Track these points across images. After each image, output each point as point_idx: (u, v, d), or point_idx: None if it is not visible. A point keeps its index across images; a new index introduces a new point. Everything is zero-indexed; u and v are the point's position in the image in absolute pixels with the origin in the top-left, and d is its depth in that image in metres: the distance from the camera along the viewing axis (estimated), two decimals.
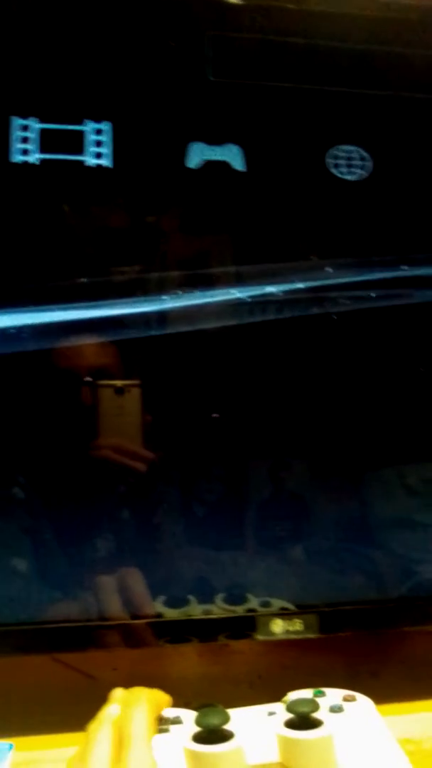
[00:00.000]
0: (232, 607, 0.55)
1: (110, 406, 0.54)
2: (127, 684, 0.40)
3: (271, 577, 0.57)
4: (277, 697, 0.39)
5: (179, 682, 0.57)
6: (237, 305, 0.56)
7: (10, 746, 0.48)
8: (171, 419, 0.56)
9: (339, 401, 0.59)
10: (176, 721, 0.38)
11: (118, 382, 0.54)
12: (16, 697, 0.54)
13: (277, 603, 0.56)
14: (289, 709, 0.35)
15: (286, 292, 0.57)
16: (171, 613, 0.54)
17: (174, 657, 0.59)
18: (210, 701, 0.38)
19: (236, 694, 0.42)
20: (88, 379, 0.54)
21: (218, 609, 0.55)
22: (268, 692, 0.41)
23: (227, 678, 0.60)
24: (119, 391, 0.54)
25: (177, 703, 0.40)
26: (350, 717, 0.37)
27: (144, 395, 0.55)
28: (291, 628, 0.55)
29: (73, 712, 0.40)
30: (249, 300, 0.56)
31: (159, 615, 0.54)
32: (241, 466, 0.58)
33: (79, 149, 0.55)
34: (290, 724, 0.35)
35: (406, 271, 0.59)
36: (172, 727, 0.37)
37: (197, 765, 0.33)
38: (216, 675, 0.60)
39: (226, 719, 0.35)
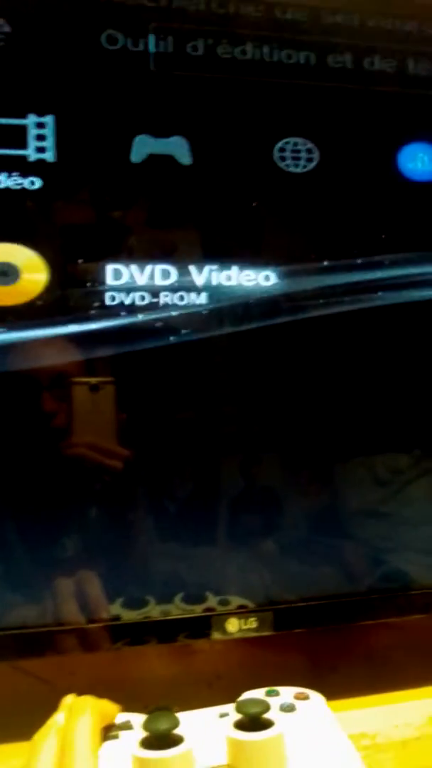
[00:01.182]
0: (191, 607, 0.54)
1: (85, 404, 0.53)
2: (87, 689, 0.39)
3: (230, 574, 0.56)
4: (235, 696, 0.39)
5: (139, 685, 0.56)
6: (196, 307, 0.55)
7: None
8: (146, 416, 0.55)
9: (309, 396, 0.59)
10: (127, 726, 0.38)
11: (93, 379, 0.53)
12: None
13: (236, 601, 0.55)
14: (239, 709, 0.35)
15: (244, 290, 0.56)
16: (129, 615, 0.53)
17: (133, 659, 0.59)
18: (165, 704, 0.37)
19: (195, 695, 0.42)
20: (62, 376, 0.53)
21: (177, 609, 0.54)
22: (227, 692, 0.40)
23: (187, 679, 0.59)
24: (94, 388, 0.53)
25: (136, 707, 0.39)
26: (301, 716, 0.37)
27: (118, 392, 0.54)
28: (246, 627, 0.54)
29: (27, 720, 0.39)
30: (207, 302, 0.56)
31: (117, 617, 0.53)
32: (213, 463, 0.57)
33: (22, 144, 0.54)
34: (239, 726, 0.35)
35: (361, 272, 0.59)
36: (122, 733, 0.37)
37: None
38: (176, 676, 0.59)
39: (176, 723, 0.34)
